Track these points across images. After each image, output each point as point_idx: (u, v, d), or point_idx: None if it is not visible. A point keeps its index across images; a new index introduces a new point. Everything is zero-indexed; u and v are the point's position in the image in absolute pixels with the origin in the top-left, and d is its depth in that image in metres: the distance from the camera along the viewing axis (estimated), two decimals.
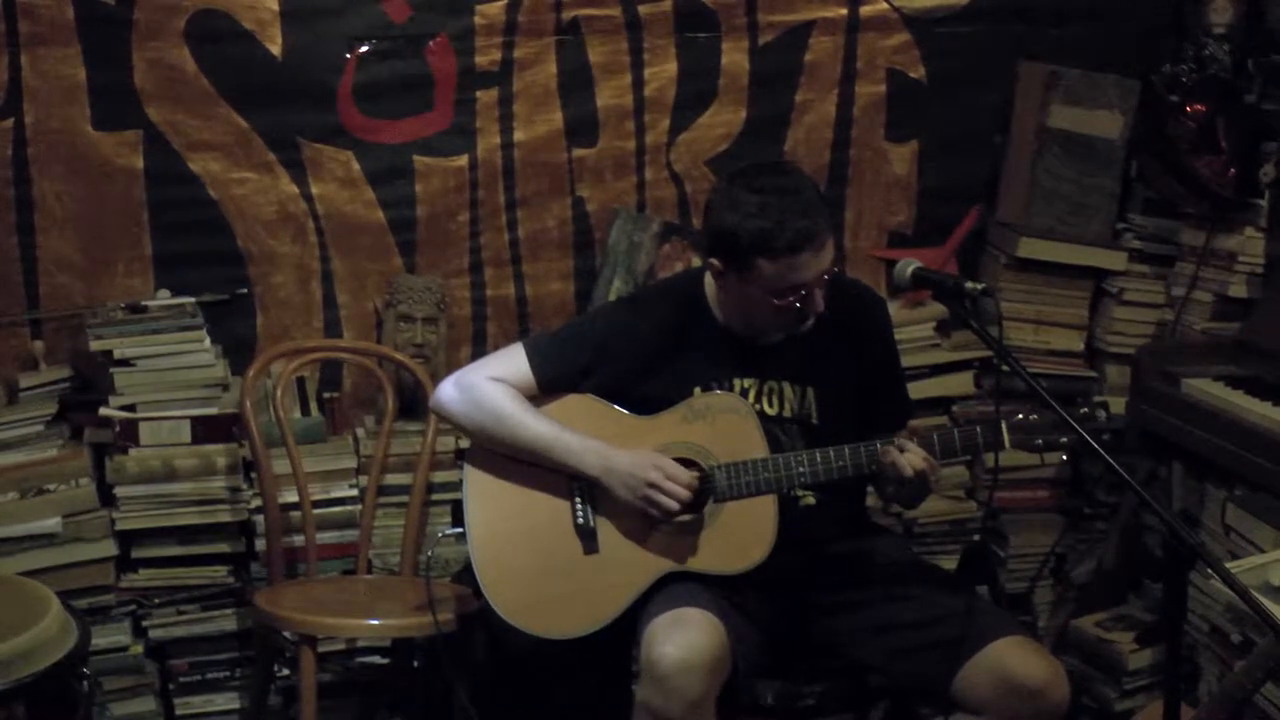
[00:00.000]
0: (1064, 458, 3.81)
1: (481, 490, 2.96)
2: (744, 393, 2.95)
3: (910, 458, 2.78)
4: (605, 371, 2.97)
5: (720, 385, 2.95)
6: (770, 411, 2.96)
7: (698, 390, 2.94)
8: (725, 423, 2.91)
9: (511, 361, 3.00)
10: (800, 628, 2.97)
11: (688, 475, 2.85)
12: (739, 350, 2.96)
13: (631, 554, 2.90)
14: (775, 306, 2.83)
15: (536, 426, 2.92)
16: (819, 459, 2.85)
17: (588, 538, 2.91)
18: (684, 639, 2.68)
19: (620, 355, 2.97)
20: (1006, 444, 2.81)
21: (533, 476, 2.94)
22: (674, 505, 2.83)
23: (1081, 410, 2.86)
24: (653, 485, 2.83)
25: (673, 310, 2.99)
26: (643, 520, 2.89)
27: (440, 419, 3.21)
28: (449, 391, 3.00)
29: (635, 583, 2.87)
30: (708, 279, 2.97)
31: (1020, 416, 2.83)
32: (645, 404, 2.95)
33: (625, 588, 2.87)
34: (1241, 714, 2.51)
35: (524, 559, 2.91)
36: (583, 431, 2.92)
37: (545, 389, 2.98)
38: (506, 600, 2.89)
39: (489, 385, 2.96)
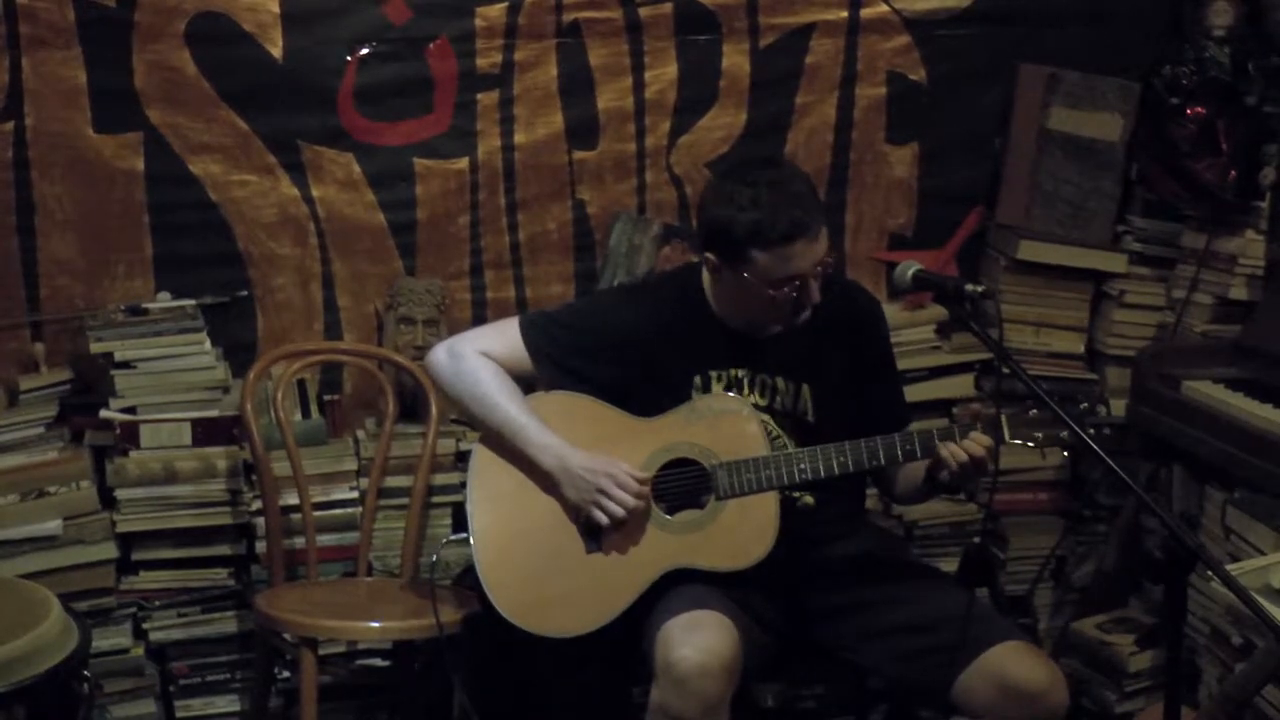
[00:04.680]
0: (1064, 454, 3.81)
1: (485, 491, 2.97)
2: (736, 382, 2.97)
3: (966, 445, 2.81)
4: (598, 356, 2.98)
5: (714, 374, 2.96)
6: (761, 403, 2.98)
7: (697, 380, 2.95)
8: (727, 423, 2.92)
9: (506, 336, 3.03)
10: (802, 630, 2.97)
11: (639, 487, 2.86)
12: (734, 342, 2.97)
13: (633, 552, 2.90)
14: (771, 298, 2.84)
15: (508, 410, 2.94)
16: (819, 454, 2.87)
17: (590, 536, 2.92)
18: (702, 641, 2.69)
19: (614, 341, 2.98)
20: (1006, 436, 2.83)
21: (536, 476, 2.94)
22: (620, 513, 2.86)
23: (1082, 405, 2.87)
24: (601, 492, 2.86)
25: (669, 300, 3.01)
26: (644, 518, 2.90)
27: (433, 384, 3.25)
28: (440, 356, 3.04)
29: (638, 580, 2.88)
30: (705, 273, 2.99)
31: (1019, 413, 2.84)
32: (643, 396, 2.96)
33: (628, 585, 2.88)
34: (1242, 716, 2.51)
35: (527, 559, 2.92)
36: (584, 433, 2.93)
37: (538, 366, 3.00)
38: (509, 601, 2.89)
39: (475, 359, 3.00)
